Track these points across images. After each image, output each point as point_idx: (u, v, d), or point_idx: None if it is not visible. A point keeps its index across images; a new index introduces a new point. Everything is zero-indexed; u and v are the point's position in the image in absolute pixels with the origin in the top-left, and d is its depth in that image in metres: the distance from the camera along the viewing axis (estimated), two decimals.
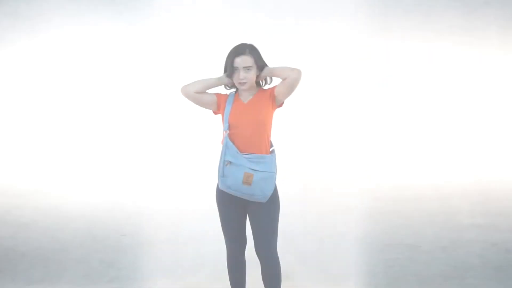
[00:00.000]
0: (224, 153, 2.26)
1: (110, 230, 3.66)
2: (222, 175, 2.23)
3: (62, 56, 4.03)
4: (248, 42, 2.33)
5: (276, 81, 2.36)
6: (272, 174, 2.25)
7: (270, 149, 2.33)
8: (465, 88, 3.98)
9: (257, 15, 3.94)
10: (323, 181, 3.81)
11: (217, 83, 2.35)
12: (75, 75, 4.03)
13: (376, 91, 3.95)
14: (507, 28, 3.94)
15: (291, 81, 2.23)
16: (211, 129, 2.82)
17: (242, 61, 2.26)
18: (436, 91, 3.98)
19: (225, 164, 2.24)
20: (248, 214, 2.36)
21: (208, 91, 2.37)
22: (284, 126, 3.81)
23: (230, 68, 2.29)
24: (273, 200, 2.29)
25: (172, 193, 3.83)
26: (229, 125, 2.29)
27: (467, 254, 3.37)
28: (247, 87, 2.30)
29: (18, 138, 4.02)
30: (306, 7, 3.96)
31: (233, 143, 2.26)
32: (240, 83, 2.28)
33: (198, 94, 2.35)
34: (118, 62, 4.00)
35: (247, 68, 2.27)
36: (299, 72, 2.23)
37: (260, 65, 2.31)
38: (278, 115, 3.07)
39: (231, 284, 2.48)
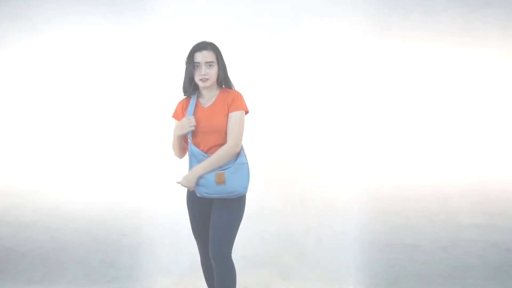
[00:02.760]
0: (191, 161, 2.22)
1: (110, 230, 3.66)
2: (195, 184, 2.16)
3: (62, 56, 4.03)
4: (209, 41, 2.30)
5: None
6: (242, 165, 2.19)
7: None
8: (465, 88, 3.98)
9: (257, 16, 3.94)
10: (323, 181, 3.81)
11: (177, 138, 2.31)
12: (75, 75, 4.02)
13: (376, 91, 3.95)
14: (507, 28, 3.94)
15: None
16: None
17: (204, 56, 2.20)
18: (436, 91, 3.98)
19: None
20: (211, 212, 2.25)
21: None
22: (285, 126, 3.83)
23: (191, 65, 2.22)
24: (239, 200, 2.21)
25: (171, 193, 3.82)
26: (192, 132, 2.23)
27: (467, 254, 3.37)
28: (209, 83, 2.22)
29: (18, 138, 4.02)
30: (306, 7, 3.96)
31: (198, 147, 2.22)
32: (201, 79, 2.21)
33: (181, 144, 2.35)
34: (118, 62, 4.00)
35: (209, 64, 2.21)
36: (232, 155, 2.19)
37: (222, 64, 2.26)
38: (279, 115, 3.06)
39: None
